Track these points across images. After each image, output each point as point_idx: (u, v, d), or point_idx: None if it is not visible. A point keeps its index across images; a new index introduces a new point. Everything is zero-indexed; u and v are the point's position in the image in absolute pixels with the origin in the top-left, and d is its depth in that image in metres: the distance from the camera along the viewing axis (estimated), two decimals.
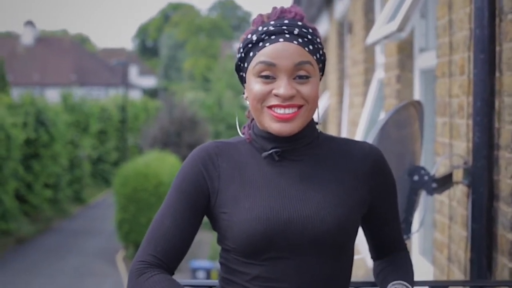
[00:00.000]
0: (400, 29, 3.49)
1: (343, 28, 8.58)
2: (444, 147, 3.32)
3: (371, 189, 1.82)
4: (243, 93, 1.82)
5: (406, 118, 2.78)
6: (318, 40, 1.77)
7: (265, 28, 1.73)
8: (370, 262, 4.89)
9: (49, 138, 20.35)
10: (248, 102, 1.78)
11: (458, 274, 3.07)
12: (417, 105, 2.86)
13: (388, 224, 1.91)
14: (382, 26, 3.99)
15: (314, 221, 1.70)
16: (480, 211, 2.69)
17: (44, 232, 19.81)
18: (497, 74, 2.64)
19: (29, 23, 52.57)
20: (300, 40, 1.72)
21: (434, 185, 2.84)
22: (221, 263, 1.81)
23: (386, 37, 3.78)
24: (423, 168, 2.84)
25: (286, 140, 1.77)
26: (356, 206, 1.77)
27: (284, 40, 1.71)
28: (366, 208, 1.82)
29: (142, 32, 74.16)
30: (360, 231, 1.89)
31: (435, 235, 3.54)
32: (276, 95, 1.71)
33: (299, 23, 1.75)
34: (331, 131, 9.04)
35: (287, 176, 1.76)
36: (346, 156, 1.82)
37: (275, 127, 1.72)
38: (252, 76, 1.74)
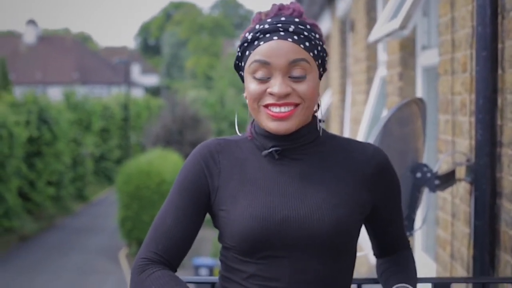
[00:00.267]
0: (402, 27, 3.49)
1: (345, 26, 8.57)
2: (447, 145, 3.33)
3: (374, 192, 1.78)
4: (244, 92, 1.81)
5: (409, 115, 2.78)
6: (317, 36, 1.74)
7: (261, 27, 1.71)
8: (373, 259, 4.89)
9: (51, 136, 20.38)
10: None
11: (460, 271, 3.08)
12: (420, 102, 2.86)
13: (391, 224, 1.89)
14: (384, 24, 3.99)
15: (311, 220, 1.68)
16: (483, 208, 2.69)
17: (47, 230, 19.84)
18: (499, 71, 2.65)
19: (31, 22, 52.62)
20: (295, 37, 1.69)
21: (436, 182, 2.84)
22: (221, 261, 1.81)
23: (388, 35, 3.78)
24: (425, 165, 2.85)
25: (286, 139, 1.74)
26: (357, 207, 1.74)
27: (278, 38, 1.69)
28: (368, 210, 1.79)
29: (144, 30, 74.19)
30: (363, 228, 1.87)
31: (437, 232, 3.54)
32: (271, 94, 1.69)
33: (296, 19, 1.72)
34: (333, 129, 9.04)
35: (287, 175, 1.74)
36: (349, 157, 1.79)
37: (272, 126, 1.70)
38: (248, 75, 1.73)
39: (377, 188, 1.79)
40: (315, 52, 1.72)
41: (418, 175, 2.83)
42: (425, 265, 3.99)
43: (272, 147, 1.75)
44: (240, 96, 33.49)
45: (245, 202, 1.71)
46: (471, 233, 2.86)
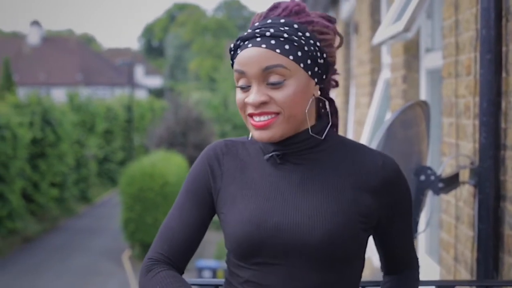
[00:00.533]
0: (406, 29, 3.49)
1: (349, 28, 8.58)
2: (451, 147, 3.33)
3: (380, 205, 1.69)
4: None
5: (413, 118, 2.78)
6: (307, 34, 1.64)
7: (244, 34, 1.67)
8: (376, 262, 4.88)
9: (55, 137, 20.39)
10: None
11: (464, 274, 3.07)
12: (424, 105, 2.86)
13: (397, 241, 1.80)
14: (388, 26, 3.99)
15: (303, 228, 1.61)
16: (487, 211, 2.69)
17: (50, 231, 19.85)
18: (503, 74, 2.65)
19: (35, 23, 52.72)
20: (272, 41, 1.61)
21: (440, 185, 2.84)
22: (226, 264, 1.81)
23: (392, 37, 3.78)
24: (429, 168, 2.85)
25: (285, 143, 1.69)
26: (358, 217, 1.65)
27: (253, 45, 1.62)
28: (373, 221, 1.70)
29: (148, 32, 74.24)
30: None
31: (441, 235, 3.54)
32: (247, 103, 1.65)
33: (282, 20, 1.64)
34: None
35: (287, 180, 1.69)
36: (356, 164, 1.70)
37: (255, 135, 1.66)
38: (236, 83, 1.70)
39: (383, 202, 1.70)
40: (299, 54, 1.62)
41: (422, 178, 2.83)
42: (429, 268, 3.98)
43: (274, 151, 1.71)
44: None
45: (241, 206, 1.68)
46: (475, 236, 2.86)
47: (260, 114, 1.63)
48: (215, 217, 1.81)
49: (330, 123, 1.75)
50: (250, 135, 1.78)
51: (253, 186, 1.71)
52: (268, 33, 1.61)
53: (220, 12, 70.76)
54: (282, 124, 1.63)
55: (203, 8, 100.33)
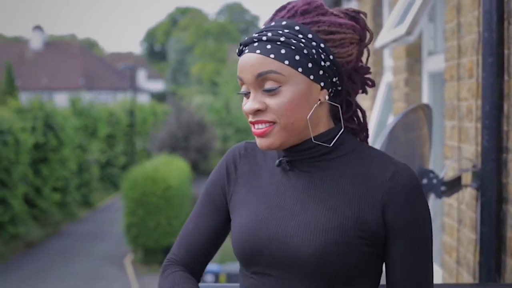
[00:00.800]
0: (409, 32, 3.49)
1: None
2: (453, 151, 3.32)
3: (384, 221, 1.54)
4: None
5: (415, 121, 2.78)
6: (309, 36, 1.55)
7: (245, 38, 1.61)
8: None
9: (57, 142, 20.42)
10: None
11: (467, 277, 3.07)
12: (426, 108, 2.86)
13: (402, 263, 1.56)
14: (390, 30, 3.99)
15: (295, 240, 1.52)
16: (489, 214, 2.69)
17: (53, 236, 19.87)
18: (505, 77, 2.64)
19: (38, 27, 52.81)
20: (268, 46, 1.53)
21: (443, 188, 2.84)
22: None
23: (394, 41, 3.78)
24: (432, 171, 2.84)
25: (292, 150, 1.61)
26: (360, 232, 1.52)
27: (249, 51, 1.56)
28: (380, 238, 1.55)
29: (150, 36, 74.38)
30: None
31: (443, 238, 3.54)
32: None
33: (284, 22, 1.56)
34: None
35: (293, 187, 1.61)
36: (366, 174, 1.57)
37: (257, 142, 1.61)
38: None
39: (388, 217, 1.54)
40: (296, 58, 1.53)
41: (424, 181, 2.83)
42: None
43: (284, 156, 1.64)
44: None
45: (244, 212, 1.64)
46: (477, 239, 2.85)
47: (256, 123, 1.58)
48: None
49: (343, 129, 1.63)
50: None
51: (259, 192, 1.66)
52: (264, 38, 1.55)
53: (222, 16, 70.88)
54: (279, 133, 1.56)
55: (205, 12, 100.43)
